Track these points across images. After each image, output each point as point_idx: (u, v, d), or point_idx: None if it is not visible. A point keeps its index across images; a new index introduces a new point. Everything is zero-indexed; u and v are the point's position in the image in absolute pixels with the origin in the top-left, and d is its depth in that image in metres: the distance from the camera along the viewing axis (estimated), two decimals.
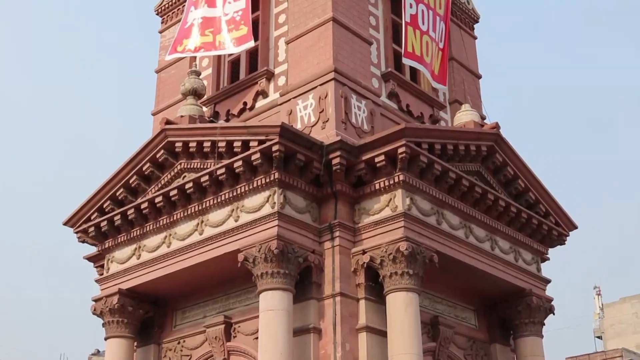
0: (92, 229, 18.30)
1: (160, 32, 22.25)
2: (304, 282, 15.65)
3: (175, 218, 17.08)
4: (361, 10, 19.06)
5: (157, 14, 22.48)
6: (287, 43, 18.70)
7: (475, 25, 22.94)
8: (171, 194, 16.92)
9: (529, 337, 18.42)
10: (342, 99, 17.09)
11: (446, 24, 20.01)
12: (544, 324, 18.89)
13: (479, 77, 22.09)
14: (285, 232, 15.35)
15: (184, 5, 21.14)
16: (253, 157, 15.63)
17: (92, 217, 18.33)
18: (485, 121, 19.54)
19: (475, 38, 22.78)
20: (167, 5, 22.20)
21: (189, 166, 17.11)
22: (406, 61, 18.63)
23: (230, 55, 20.26)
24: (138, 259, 17.72)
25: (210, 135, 16.56)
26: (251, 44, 18.63)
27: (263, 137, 15.61)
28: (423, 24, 19.05)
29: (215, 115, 19.39)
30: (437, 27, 19.48)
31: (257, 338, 15.51)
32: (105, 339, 17.93)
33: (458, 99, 20.55)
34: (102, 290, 18.20)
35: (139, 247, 17.79)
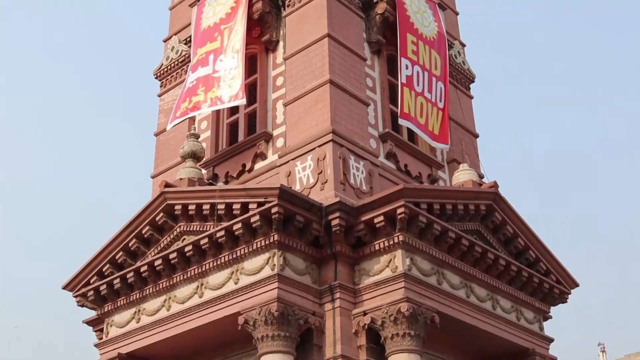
0: (91, 292, 18.22)
1: (159, 95, 22.45)
2: (304, 345, 15.53)
3: (174, 281, 17.03)
4: (358, 72, 19.28)
5: (156, 78, 22.70)
6: (285, 105, 18.87)
7: (471, 85, 23.17)
8: (170, 257, 16.90)
9: None
10: (341, 160, 17.18)
11: (445, 84, 20.22)
12: None
13: (476, 136, 22.25)
14: (286, 294, 15.28)
15: (183, 69, 21.43)
16: (252, 220, 15.65)
17: (91, 281, 18.27)
18: (483, 180, 19.63)
19: (471, 97, 23.00)
20: (166, 69, 22.43)
21: (188, 229, 17.11)
22: (402, 122, 18.81)
23: (229, 117, 20.47)
24: (137, 322, 17.61)
25: (210, 198, 16.61)
26: (243, 101, 18.79)
27: (262, 199, 15.65)
28: (418, 85, 19.29)
29: (214, 178, 19.47)
30: (433, 87, 19.70)
31: None
32: None
33: (456, 158, 20.67)
34: (101, 354, 18.04)
35: (139, 310, 17.69)
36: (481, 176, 20.31)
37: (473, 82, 23.28)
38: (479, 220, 17.72)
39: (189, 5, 22.34)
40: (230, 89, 18.91)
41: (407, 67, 19.18)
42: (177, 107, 19.60)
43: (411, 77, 19.21)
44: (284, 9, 20.20)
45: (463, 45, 23.64)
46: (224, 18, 19.98)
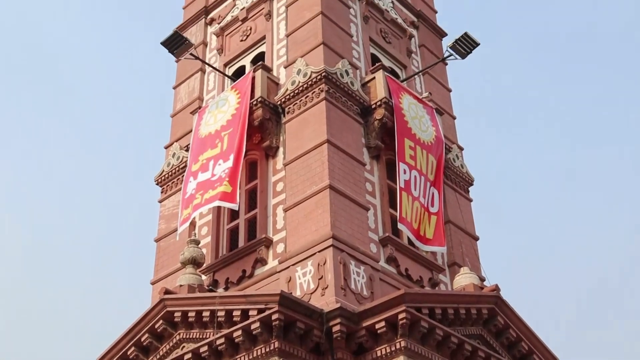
0: None
1: (160, 201, 22.59)
2: None
3: None
4: (357, 177, 19.46)
5: (157, 184, 22.89)
6: (285, 210, 18.97)
7: (470, 188, 23.32)
8: None
9: None
10: (341, 265, 17.16)
11: (439, 189, 20.38)
12: None
13: (477, 239, 22.26)
14: None
15: (184, 175, 21.62)
16: (252, 327, 15.52)
17: None
18: (484, 283, 19.52)
19: (470, 200, 23.12)
20: (167, 175, 22.63)
21: (187, 336, 16.93)
22: (401, 227, 18.89)
23: (229, 223, 20.56)
24: None
25: (210, 305, 16.51)
26: (235, 206, 18.89)
27: (262, 306, 15.56)
28: (415, 190, 19.47)
29: (215, 284, 19.40)
30: (427, 192, 19.87)
31: None
32: None
33: (457, 262, 20.63)
34: None
35: None
36: (482, 279, 20.22)
37: (472, 185, 23.43)
38: (481, 324, 17.56)
39: (191, 113, 22.76)
40: (225, 187, 19.03)
41: (404, 172, 19.39)
42: (180, 213, 19.77)
43: (409, 181, 19.41)
44: (284, 116, 20.55)
45: (461, 148, 23.93)
46: (224, 125, 20.32)
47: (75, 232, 55.43)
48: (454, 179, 22.65)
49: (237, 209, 19.25)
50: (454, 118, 24.80)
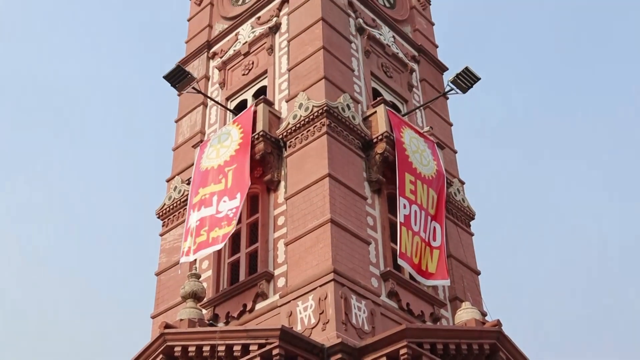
0: None
1: (161, 235, 22.56)
2: None
3: None
4: (358, 211, 19.46)
5: (159, 218, 22.88)
6: (287, 245, 18.94)
7: (471, 222, 23.30)
8: None
9: None
10: (342, 299, 17.09)
11: (440, 223, 20.36)
12: None
13: (478, 273, 22.20)
14: None
15: (185, 209, 21.61)
16: None
17: None
18: (486, 318, 19.43)
19: (472, 234, 23.09)
20: (168, 209, 22.63)
21: None
22: (401, 262, 18.82)
23: (230, 257, 20.52)
24: None
25: (210, 339, 16.43)
26: (220, 245, 18.98)
27: (263, 341, 15.50)
28: (415, 224, 19.44)
29: (215, 318, 19.31)
30: (428, 227, 19.84)
31: None
32: None
33: (458, 296, 20.56)
34: None
35: None
36: (484, 314, 20.13)
37: (473, 219, 23.42)
38: (483, 359, 17.44)
39: (192, 146, 22.81)
40: (233, 227, 19.09)
41: (405, 207, 19.39)
42: (182, 248, 19.79)
43: (409, 216, 19.39)
44: (285, 150, 20.60)
45: (462, 182, 23.95)
46: (228, 160, 20.34)
47: (75, 265, 55.34)
48: (455, 213, 22.64)
49: (220, 248, 19.29)
50: (455, 152, 24.85)
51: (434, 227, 20.21)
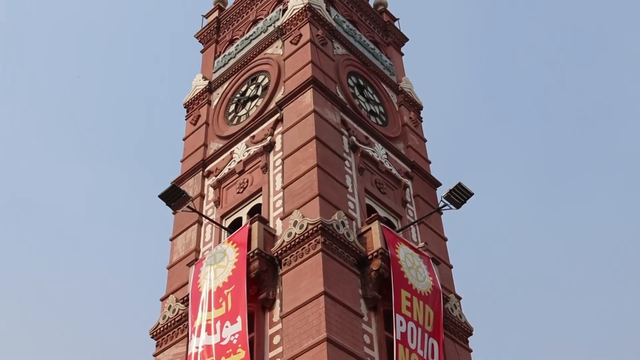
0: None
1: (155, 355, 22.17)
2: None
3: None
4: (355, 329, 19.24)
5: (152, 337, 22.53)
6: None
7: (469, 338, 23.03)
8: None
9: None
10: None
11: (438, 340, 20.13)
12: None
13: None
14: None
15: (179, 328, 21.32)
16: None
17: None
18: None
19: (470, 351, 22.80)
20: (162, 328, 22.29)
21: None
22: None
23: None
24: None
25: None
26: None
27: None
28: (412, 341, 19.23)
29: None
30: (425, 344, 19.61)
31: None
32: None
33: None
34: None
35: None
36: None
37: (471, 334, 23.17)
38: None
39: (187, 265, 22.73)
40: (239, 355, 18.76)
41: (401, 324, 19.21)
42: None
43: (405, 333, 19.20)
44: (281, 268, 20.53)
45: (459, 298, 23.79)
46: (226, 282, 20.21)
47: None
48: (453, 329, 22.41)
49: None
50: (451, 267, 24.80)
51: (432, 344, 19.98)
